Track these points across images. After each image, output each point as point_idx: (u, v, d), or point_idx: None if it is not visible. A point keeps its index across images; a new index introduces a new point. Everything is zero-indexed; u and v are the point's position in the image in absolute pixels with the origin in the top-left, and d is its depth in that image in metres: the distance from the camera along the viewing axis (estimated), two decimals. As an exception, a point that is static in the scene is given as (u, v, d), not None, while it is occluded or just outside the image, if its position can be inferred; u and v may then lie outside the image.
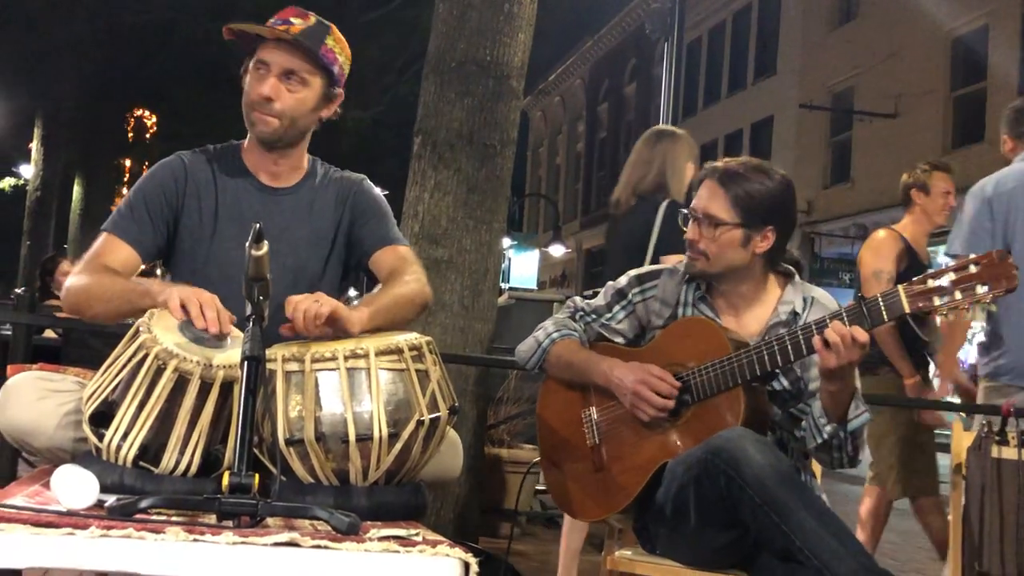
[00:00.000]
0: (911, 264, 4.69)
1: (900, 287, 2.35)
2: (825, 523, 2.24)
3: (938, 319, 2.66)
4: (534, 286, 32.85)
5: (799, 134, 22.34)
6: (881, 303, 2.36)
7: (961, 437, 3.25)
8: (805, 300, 2.71)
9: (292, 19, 2.44)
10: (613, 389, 2.66)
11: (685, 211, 2.73)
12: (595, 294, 2.96)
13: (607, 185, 33.73)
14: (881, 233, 4.89)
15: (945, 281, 2.29)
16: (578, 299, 2.94)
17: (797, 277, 2.79)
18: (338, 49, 2.51)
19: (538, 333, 2.86)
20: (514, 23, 4.44)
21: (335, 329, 2.13)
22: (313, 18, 2.48)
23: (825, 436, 2.51)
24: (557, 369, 2.82)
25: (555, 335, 2.83)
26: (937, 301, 2.30)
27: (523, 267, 33.84)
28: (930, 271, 2.35)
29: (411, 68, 19.00)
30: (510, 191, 4.66)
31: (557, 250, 24.40)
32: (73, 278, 2.39)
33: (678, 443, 2.56)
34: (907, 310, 2.34)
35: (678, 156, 4.30)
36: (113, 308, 2.32)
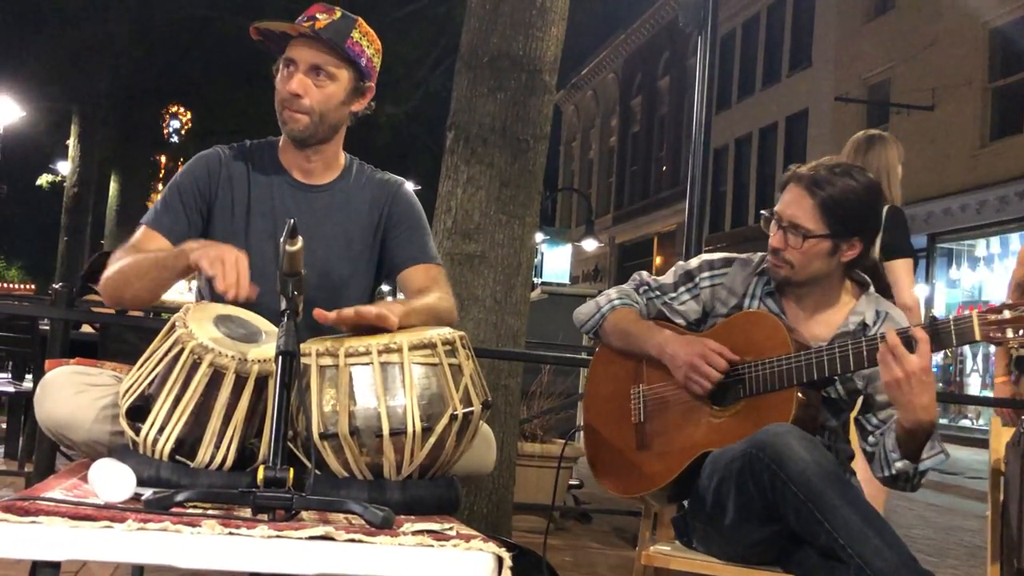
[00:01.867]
0: None
1: (974, 314, 2.30)
2: (868, 521, 2.22)
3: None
4: (567, 281, 32.83)
5: (835, 127, 22.15)
6: (952, 328, 2.32)
7: (1000, 433, 3.22)
8: (878, 314, 2.66)
9: (317, 15, 2.45)
10: (666, 361, 2.64)
11: (766, 213, 2.66)
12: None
13: (640, 179, 33.72)
14: None
15: (1022, 315, 2.25)
16: (644, 273, 2.92)
17: (872, 288, 2.74)
18: (365, 42, 2.51)
19: (600, 298, 2.85)
20: (547, 17, 4.43)
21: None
22: (339, 12, 2.48)
23: (894, 472, 2.49)
24: (613, 336, 2.80)
25: (616, 302, 2.82)
26: (1010, 333, 2.25)
27: (556, 262, 33.81)
28: (1008, 302, 2.30)
29: (443, 63, 19.04)
30: (543, 185, 4.66)
31: (590, 244, 24.40)
32: (108, 269, 2.43)
33: (724, 433, 2.54)
34: (978, 338, 2.29)
35: (891, 159, 4.36)
36: (150, 279, 2.34)
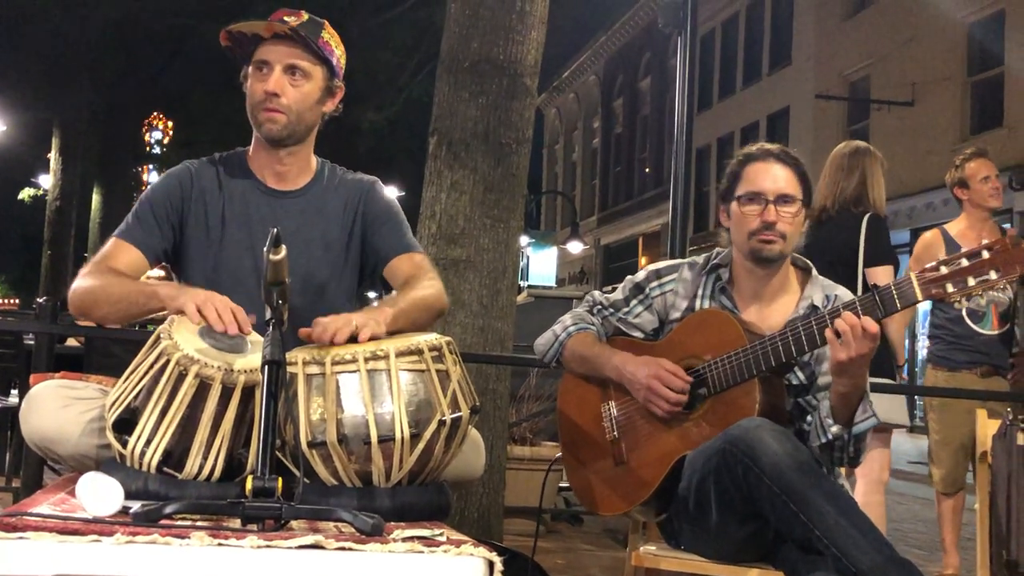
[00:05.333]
0: None
1: (912, 274, 2.34)
2: (845, 512, 2.23)
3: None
4: (553, 283, 32.81)
5: (816, 125, 22.21)
6: (894, 292, 2.35)
7: (986, 425, 3.23)
8: (828, 297, 2.69)
9: (285, 18, 2.46)
10: (626, 384, 2.66)
11: (745, 195, 2.68)
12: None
13: (624, 180, 33.73)
14: (927, 235, 5.03)
15: (958, 268, 2.28)
16: (596, 293, 2.94)
17: (815, 271, 2.78)
18: (334, 43, 2.53)
19: (556, 327, 2.87)
20: (526, 21, 4.43)
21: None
22: (306, 15, 2.50)
23: (830, 436, 2.50)
24: (573, 363, 2.82)
25: (571, 328, 2.83)
26: (950, 288, 2.29)
27: (541, 265, 33.80)
28: (942, 258, 2.33)
29: (425, 68, 19.01)
30: (527, 189, 4.66)
31: (575, 247, 24.36)
32: (79, 280, 2.42)
33: (696, 435, 2.56)
34: (920, 298, 2.33)
35: (874, 167, 4.44)
36: (119, 309, 2.35)
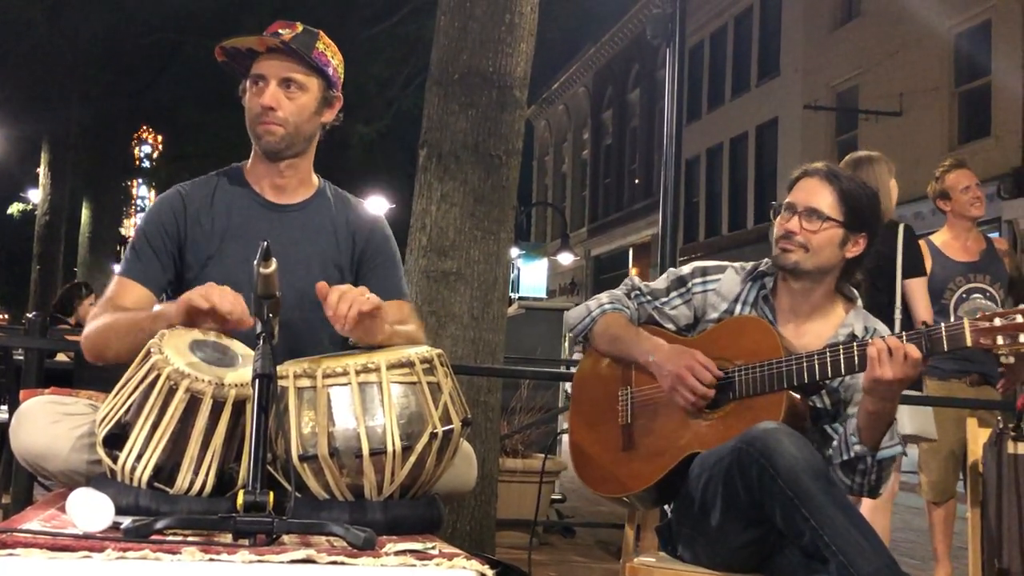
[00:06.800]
0: (938, 269, 4.89)
1: (966, 320, 2.35)
2: (853, 521, 2.24)
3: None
4: (544, 295, 32.84)
5: (804, 135, 22.29)
6: (944, 333, 2.36)
7: (977, 434, 3.24)
8: (867, 329, 2.68)
9: (280, 31, 2.48)
10: (653, 370, 2.65)
11: (776, 203, 2.72)
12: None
13: (614, 191, 33.82)
14: None
15: (1011, 323, 2.30)
16: (637, 279, 2.94)
17: (860, 303, 2.78)
18: (330, 53, 2.54)
19: (590, 302, 2.87)
20: (515, 33, 4.45)
21: (368, 325, 2.19)
22: (300, 26, 2.52)
23: (853, 454, 2.50)
24: (602, 340, 2.82)
25: (607, 306, 2.83)
26: (1000, 340, 2.30)
27: (532, 276, 33.83)
28: (999, 310, 2.35)
29: (414, 81, 19.04)
30: (517, 200, 4.67)
31: (566, 258, 24.45)
32: (89, 325, 2.42)
33: (711, 435, 2.55)
34: (968, 344, 2.34)
35: (883, 175, 4.44)
36: (129, 341, 2.26)
